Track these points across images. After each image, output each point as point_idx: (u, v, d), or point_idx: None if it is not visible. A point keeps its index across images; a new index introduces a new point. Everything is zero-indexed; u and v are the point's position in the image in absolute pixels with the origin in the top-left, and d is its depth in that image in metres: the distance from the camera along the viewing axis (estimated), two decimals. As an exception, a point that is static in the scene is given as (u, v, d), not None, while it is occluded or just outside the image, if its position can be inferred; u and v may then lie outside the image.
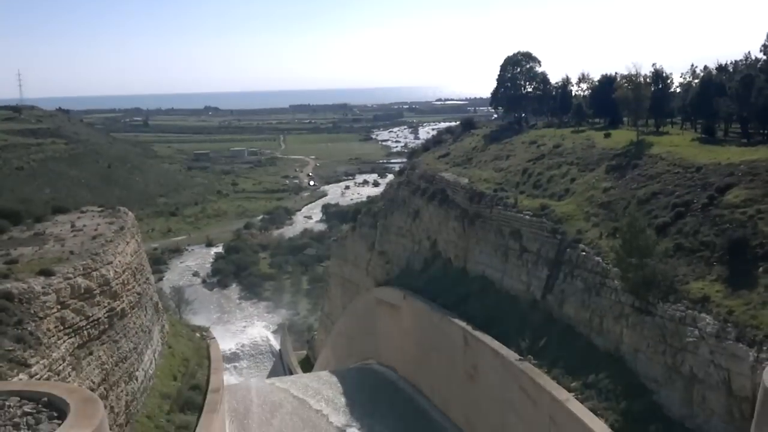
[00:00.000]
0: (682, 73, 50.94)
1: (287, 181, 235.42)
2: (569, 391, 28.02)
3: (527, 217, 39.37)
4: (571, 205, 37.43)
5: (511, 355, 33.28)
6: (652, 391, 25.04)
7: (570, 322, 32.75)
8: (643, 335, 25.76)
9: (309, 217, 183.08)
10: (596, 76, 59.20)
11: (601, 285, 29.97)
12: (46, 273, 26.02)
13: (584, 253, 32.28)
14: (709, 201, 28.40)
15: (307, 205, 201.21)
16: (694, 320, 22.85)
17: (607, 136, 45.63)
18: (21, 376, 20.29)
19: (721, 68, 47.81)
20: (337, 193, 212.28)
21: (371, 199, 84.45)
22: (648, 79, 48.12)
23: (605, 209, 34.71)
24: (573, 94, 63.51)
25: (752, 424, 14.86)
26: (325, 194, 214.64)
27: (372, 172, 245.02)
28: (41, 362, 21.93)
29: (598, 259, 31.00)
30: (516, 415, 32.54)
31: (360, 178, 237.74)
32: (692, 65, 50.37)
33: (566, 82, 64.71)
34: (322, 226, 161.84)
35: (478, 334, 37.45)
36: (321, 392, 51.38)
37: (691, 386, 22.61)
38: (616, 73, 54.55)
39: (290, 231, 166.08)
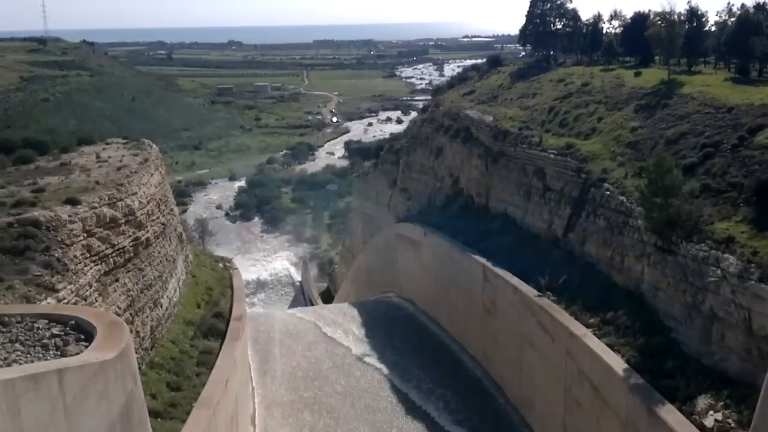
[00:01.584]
0: (717, 12, 49.43)
1: (310, 117, 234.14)
2: (587, 327, 28.22)
3: (552, 155, 38.93)
4: (597, 145, 36.90)
5: (530, 291, 33.46)
6: (670, 328, 25.14)
7: (590, 260, 32.73)
8: (665, 274, 25.69)
9: (331, 153, 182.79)
10: (629, 14, 57.67)
11: (624, 224, 29.77)
12: (72, 202, 26.38)
13: (608, 193, 31.97)
14: (739, 142, 27.82)
15: (329, 141, 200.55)
16: (717, 260, 22.69)
17: (638, 74, 44.57)
18: (49, 300, 20.81)
19: (759, 7, 46.16)
20: (359, 130, 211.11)
21: (394, 136, 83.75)
22: (682, 17, 46.72)
23: (632, 149, 34.19)
24: (604, 31, 61.88)
25: (770, 362, 14.91)
26: (347, 131, 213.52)
27: (395, 109, 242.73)
28: (68, 287, 22.45)
29: (623, 198, 30.70)
30: (533, 349, 32.95)
31: (383, 115, 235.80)
32: (729, 3, 48.77)
33: (597, 19, 63.12)
34: (344, 163, 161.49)
35: (498, 270, 37.63)
36: (341, 323, 52.33)
37: (710, 325, 22.64)
38: (649, 10, 53.18)
39: (312, 167, 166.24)
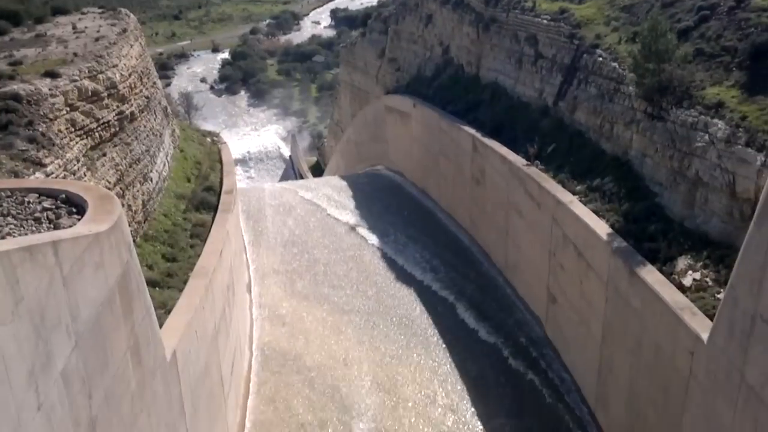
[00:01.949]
0: None
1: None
2: (573, 194, 28.65)
3: (545, 21, 37.81)
4: (592, 9, 35.74)
5: (519, 160, 33.65)
6: (655, 193, 25.54)
7: (580, 128, 32.69)
8: (653, 140, 25.75)
9: (317, 23, 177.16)
10: None
11: (615, 91, 29.47)
12: (52, 75, 25.68)
13: (601, 59, 31.39)
14: (736, 4, 26.91)
15: (315, 9, 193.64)
16: (705, 125, 22.68)
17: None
18: (37, 175, 20.74)
19: None
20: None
21: (382, 3, 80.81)
22: None
23: (627, 13, 33.15)
24: None
25: (751, 223, 15.27)
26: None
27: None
28: (56, 162, 22.31)
29: (615, 64, 30.19)
30: (520, 217, 33.61)
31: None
32: None
33: None
34: (330, 32, 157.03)
35: (487, 140, 37.64)
36: (331, 195, 52.91)
37: (694, 189, 22.98)
38: None
39: (298, 37, 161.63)
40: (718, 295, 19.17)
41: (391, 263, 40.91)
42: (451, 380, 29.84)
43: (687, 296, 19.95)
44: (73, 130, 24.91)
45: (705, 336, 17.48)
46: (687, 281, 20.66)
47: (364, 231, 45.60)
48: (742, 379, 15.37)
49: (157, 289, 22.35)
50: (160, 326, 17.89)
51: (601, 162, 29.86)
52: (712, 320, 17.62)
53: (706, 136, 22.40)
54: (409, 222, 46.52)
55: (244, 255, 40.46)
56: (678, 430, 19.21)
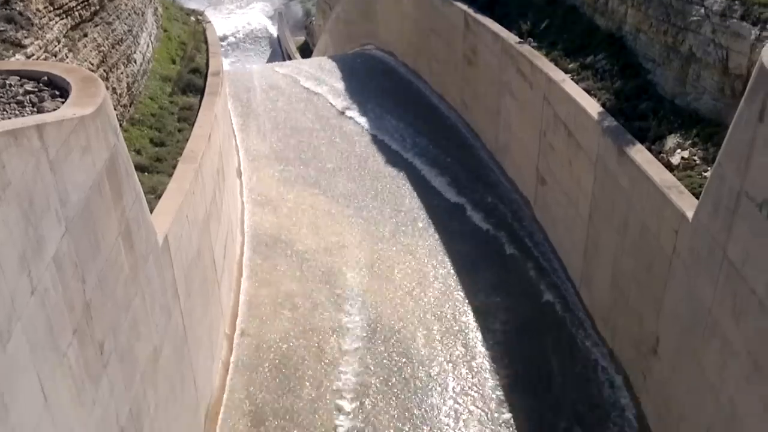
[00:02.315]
0: None
1: None
2: (566, 72, 28.18)
3: None
4: None
5: (511, 37, 32.85)
6: (648, 70, 25.16)
7: (574, 3, 31.74)
8: (647, 14, 25.05)
9: None
10: None
11: (612, -38, 28.40)
12: (25, -51, 24.42)
13: (598, -73, 29.99)
14: None
15: None
16: (702, -1, 22.05)
17: None
18: (17, 56, 20.17)
19: None
20: None
21: None
22: None
23: None
24: None
25: (742, 100, 15.16)
26: None
27: None
28: (36, 43, 21.63)
29: (612, -67, 28.89)
30: (512, 96, 33.24)
31: None
32: None
33: None
34: None
35: (479, 17, 36.58)
36: (321, 77, 51.94)
37: (687, 65, 22.60)
38: None
39: None
40: (705, 174, 19.31)
41: (382, 146, 40.80)
42: (439, 260, 30.51)
43: (675, 175, 20.07)
44: (51, 9, 23.95)
45: (690, 214, 17.73)
46: (675, 160, 20.75)
47: (354, 114, 45.13)
48: (724, 256, 15.73)
49: (146, 174, 22.29)
50: (151, 211, 17.98)
51: (595, 38, 29.22)
52: (698, 198, 17.82)
53: (702, 10, 21.79)
54: (399, 104, 45.96)
55: (233, 138, 40.19)
56: (659, 306, 19.84)
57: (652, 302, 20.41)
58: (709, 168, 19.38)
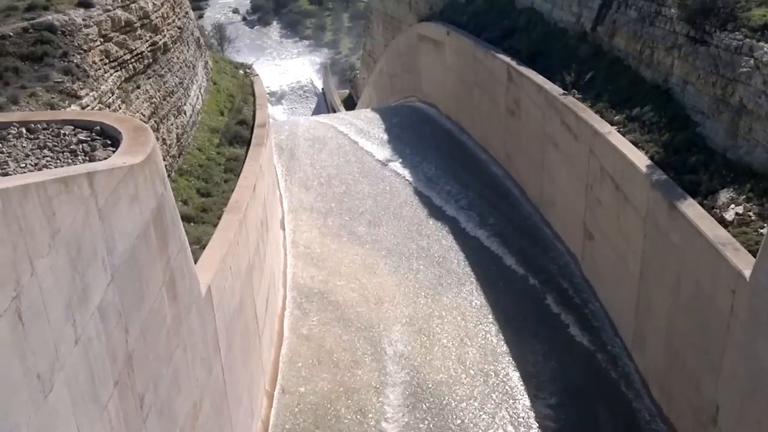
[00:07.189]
0: None
1: None
2: (612, 124, 27.82)
3: (583, -59, 36.09)
4: (634, -73, 33.97)
5: (555, 89, 32.73)
6: (696, 123, 24.65)
7: (619, 55, 31.55)
8: (695, 66, 24.69)
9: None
10: None
11: (656, 14, 28.20)
12: (85, 5, 25.34)
13: (642, -19, 29.99)
14: None
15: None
16: (750, 49, 21.61)
17: None
18: (72, 107, 20.78)
19: None
20: None
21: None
22: None
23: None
24: None
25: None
26: None
27: None
28: (91, 94, 22.33)
29: (657, -14, 28.85)
30: (556, 149, 32.93)
31: None
32: None
33: None
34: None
35: (522, 69, 36.62)
36: (364, 129, 52.47)
37: (738, 117, 22.07)
38: None
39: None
40: (762, 230, 18.63)
41: (425, 199, 40.61)
42: (484, 318, 29.75)
43: (729, 231, 19.32)
44: (107, 61, 24.82)
45: (747, 273, 16.93)
46: (729, 215, 20.08)
47: (397, 166, 45.26)
48: (785, 317, 14.97)
49: (192, 224, 22.52)
50: (195, 261, 17.94)
51: (641, 90, 28.88)
52: (755, 256, 17.07)
53: (751, 61, 21.40)
54: (442, 156, 45.99)
55: (278, 189, 40.59)
56: (717, 371, 18.81)
57: (709, 366, 19.28)
58: (765, 224, 18.72)
